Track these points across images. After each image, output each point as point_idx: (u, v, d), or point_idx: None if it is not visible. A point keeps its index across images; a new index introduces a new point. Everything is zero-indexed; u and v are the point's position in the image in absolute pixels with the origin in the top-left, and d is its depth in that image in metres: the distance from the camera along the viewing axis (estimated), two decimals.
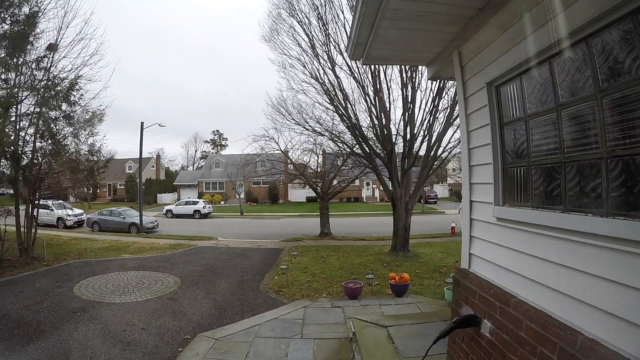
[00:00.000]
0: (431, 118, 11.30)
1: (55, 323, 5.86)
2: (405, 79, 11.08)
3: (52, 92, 10.56)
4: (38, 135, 10.92)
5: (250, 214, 29.76)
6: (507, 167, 2.61)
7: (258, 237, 16.72)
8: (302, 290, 7.88)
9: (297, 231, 18.27)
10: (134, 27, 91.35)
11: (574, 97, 1.91)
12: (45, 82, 10.48)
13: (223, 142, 67.14)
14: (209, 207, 29.01)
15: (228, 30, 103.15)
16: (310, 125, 14.52)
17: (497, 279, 2.64)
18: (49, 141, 11.12)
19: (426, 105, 11.33)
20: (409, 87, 11.12)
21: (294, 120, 14.69)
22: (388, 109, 11.69)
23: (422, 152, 12.17)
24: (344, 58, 11.75)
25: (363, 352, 4.09)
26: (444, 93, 11.09)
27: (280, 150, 17.19)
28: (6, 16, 9.64)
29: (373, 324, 4.76)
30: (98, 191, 43.42)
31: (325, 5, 11.46)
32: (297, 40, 12.67)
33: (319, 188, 17.17)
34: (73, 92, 10.89)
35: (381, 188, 18.27)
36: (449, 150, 12.44)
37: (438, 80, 9.46)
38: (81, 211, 22.63)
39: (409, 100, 11.20)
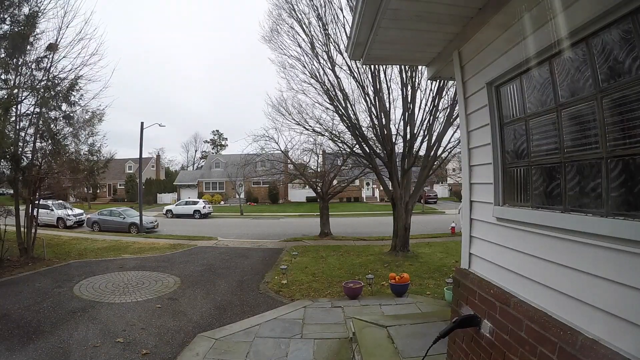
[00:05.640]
0: (431, 118, 11.31)
1: (55, 323, 5.86)
2: (405, 78, 11.08)
3: (52, 92, 10.55)
4: (38, 136, 10.91)
5: (250, 214, 29.76)
6: (507, 167, 2.61)
7: (258, 237, 16.72)
8: (302, 290, 7.88)
9: (297, 231, 18.27)
10: (134, 26, 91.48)
11: (574, 97, 1.91)
12: (45, 82, 10.47)
13: (223, 142, 67.26)
14: (209, 207, 29.01)
15: (229, 30, 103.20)
16: (310, 125, 14.55)
17: (497, 279, 2.64)
18: (49, 141, 11.11)
19: (426, 105, 11.34)
20: (409, 87, 11.12)
21: (294, 120, 14.71)
22: (388, 108, 11.69)
23: (422, 152, 12.18)
24: (343, 58, 11.75)
25: (363, 352, 4.09)
26: (444, 93, 11.10)
27: (280, 150, 17.19)
28: (6, 16, 9.63)
29: (373, 324, 4.76)
30: (98, 191, 43.43)
31: (325, 6, 11.47)
32: (297, 41, 12.68)
33: (319, 188, 17.17)
34: (73, 92, 10.88)
35: (381, 188, 18.27)
36: (449, 150, 12.45)
37: (438, 80, 9.46)
38: (81, 211, 22.63)
39: (409, 100, 11.20)
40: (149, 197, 39.84)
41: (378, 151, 12.58)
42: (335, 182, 18.17)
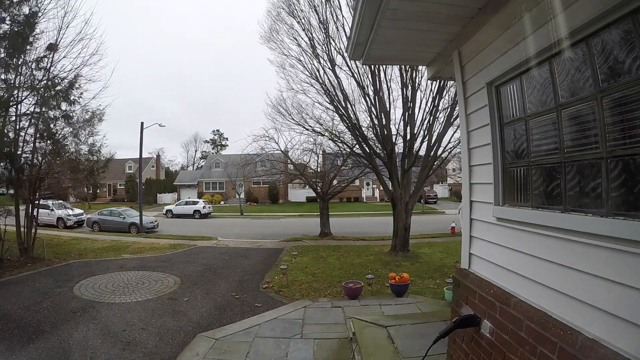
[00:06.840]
0: (431, 118, 11.31)
1: (55, 323, 5.86)
2: (405, 78, 11.08)
3: (52, 92, 10.56)
4: (38, 136, 10.91)
5: (250, 214, 29.75)
6: (507, 167, 2.61)
7: (258, 237, 16.71)
8: (302, 290, 7.88)
9: (297, 231, 18.26)
10: (133, 25, 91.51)
11: (574, 97, 1.91)
12: (45, 82, 10.47)
13: (223, 142, 67.23)
14: (209, 207, 29.00)
15: (229, 29, 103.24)
16: (310, 125, 14.55)
17: (497, 279, 2.64)
18: (49, 141, 11.11)
19: (426, 105, 11.35)
20: (409, 87, 11.12)
21: (293, 120, 14.72)
22: (388, 109, 11.70)
23: (422, 152, 12.18)
24: (343, 58, 11.75)
25: (363, 352, 4.09)
26: (444, 93, 11.10)
27: (280, 150, 17.19)
28: (6, 16, 9.64)
29: (373, 324, 4.76)
30: (98, 191, 43.41)
31: (324, 5, 11.47)
32: (296, 40, 12.66)
33: (319, 188, 17.17)
34: (73, 92, 10.90)
35: (381, 188, 18.27)
36: (449, 150, 12.45)
37: (438, 81, 9.46)
38: (81, 211, 22.62)
39: (409, 100, 11.20)
40: (149, 197, 39.83)
41: (378, 151, 12.57)
42: (335, 182, 18.16)
